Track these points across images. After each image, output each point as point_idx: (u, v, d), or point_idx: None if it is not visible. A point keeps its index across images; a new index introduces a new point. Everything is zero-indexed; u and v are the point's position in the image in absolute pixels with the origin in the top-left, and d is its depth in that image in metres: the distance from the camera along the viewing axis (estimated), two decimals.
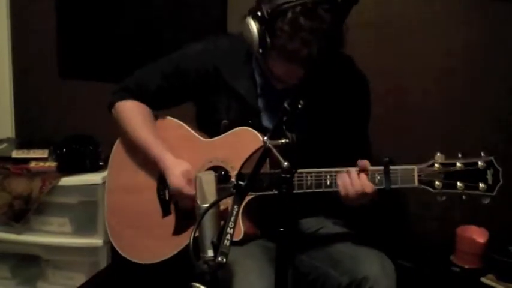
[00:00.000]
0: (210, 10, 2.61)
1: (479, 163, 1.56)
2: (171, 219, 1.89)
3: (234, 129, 1.80)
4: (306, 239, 1.86)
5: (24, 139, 2.86)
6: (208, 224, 1.38)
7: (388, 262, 1.71)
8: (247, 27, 1.61)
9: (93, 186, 2.48)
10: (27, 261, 2.65)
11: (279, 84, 1.74)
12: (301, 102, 1.26)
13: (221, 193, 1.44)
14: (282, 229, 1.26)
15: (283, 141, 1.27)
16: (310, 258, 1.80)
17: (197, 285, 1.25)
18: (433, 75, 2.40)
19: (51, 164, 2.56)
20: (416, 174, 1.60)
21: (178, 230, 1.86)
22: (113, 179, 2.04)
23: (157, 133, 1.90)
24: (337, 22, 1.27)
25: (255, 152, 1.39)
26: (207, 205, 1.38)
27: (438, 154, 1.59)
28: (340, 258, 1.74)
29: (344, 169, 1.64)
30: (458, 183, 1.56)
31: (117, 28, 2.74)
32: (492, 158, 1.56)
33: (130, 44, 2.73)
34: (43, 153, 2.62)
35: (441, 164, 1.58)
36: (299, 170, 1.61)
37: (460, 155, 1.58)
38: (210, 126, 1.86)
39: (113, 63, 2.77)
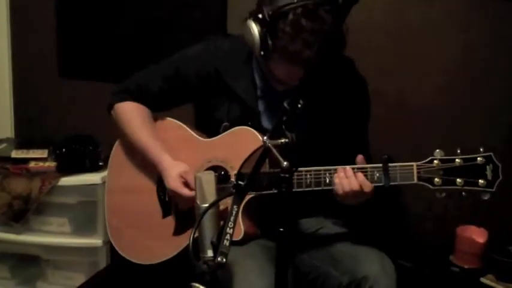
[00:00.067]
0: (210, 11, 2.61)
1: (478, 159, 1.56)
2: (171, 219, 1.89)
3: (233, 129, 1.80)
4: (306, 239, 1.86)
5: (23, 139, 2.86)
6: (208, 224, 1.38)
7: (388, 262, 1.71)
8: (249, 29, 1.61)
9: (92, 186, 2.48)
10: (27, 261, 2.65)
11: (280, 85, 1.74)
12: (301, 102, 1.26)
13: (221, 193, 1.44)
14: (281, 229, 1.26)
15: (282, 140, 1.27)
16: (311, 257, 1.80)
17: (197, 285, 1.25)
18: (433, 75, 2.40)
19: (51, 164, 2.56)
20: (415, 170, 1.60)
21: (178, 231, 1.86)
22: (113, 180, 2.04)
23: (157, 134, 1.90)
24: (338, 22, 1.27)
25: (255, 151, 1.39)
26: (207, 205, 1.38)
27: (437, 150, 1.59)
28: (340, 258, 1.74)
29: (342, 167, 1.64)
30: (458, 180, 1.56)
31: (117, 28, 2.74)
32: (491, 153, 1.56)
33: (130, 44, 2.73)
34: (42, 153, 2.62)
35: (440, 160, 1.58)
36: (298, 168, 1.62)
37: (458, 151, 1.58)
38: (210, 127, 1.86)
39: (113, 63, 2.77)
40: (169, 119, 1.96)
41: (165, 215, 1.91)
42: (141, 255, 1.92)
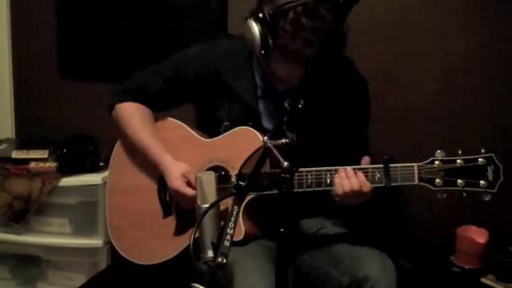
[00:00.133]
0: (211, 11, 2.61)
1: (480, 159, 1.55)
2: (171, 220, 1.89)
3: (234, 129, 1.80)
4: (306, 239, 1.86)
5: (24, 139, 2.86)
6: (209, 224, 1.38)
7: (389, 262, 1.71)
8: (249, 29, 1.61)
9: (93, 187, 2.48)
10: (27, 262, 2.65)
11: (280, 85, 1.74)
12: (302, 102, 1.26)
13: (221, 193, 1.44)
14: (282, 229, 1.26)
15: (283, 141, 1.27)
16: (311, 258, 1.80)
17: (197, 285, 1.24)
18: (434, 75, 2.40)
19: (51, 165, 2.56)
20: (416, 171, 1.60)
21: (178, 231, 1.86)
22: (114, 180, 2.04)
23: (157, 134, 1.90)
24: (338, 21, 1.27)
25: (256, 152, 1.39)
26: (207, 205, 1.38)
27: (438, 151, 1.59)
28: (341, 258, 1.74)
29: (343, 167, 1.64)
30: (459, 180, 1.56)
31: (117, 28, 2.74)
32: (492, 154, 1.56)
33: (131, 45, 2.73)
34: (43, 153, 2.62)
35: (441, 161, 1.58)
36: (299, 169, 1.62)
37: (460, 152, 1.57)
38: (210, 127, 1.86)
39: (113, 64, 2.77)
40: (170, 119, 1.96)
41: (165, 215, 1.91)
42: (142, 256, 1.92)
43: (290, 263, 1.31)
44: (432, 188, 1.59)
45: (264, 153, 1.29)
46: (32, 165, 2.56)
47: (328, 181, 1.65)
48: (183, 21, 2.65)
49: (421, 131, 2.42)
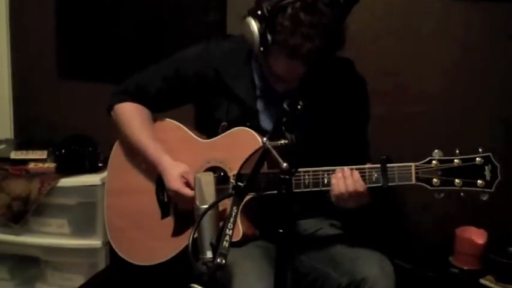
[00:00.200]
0: (210, 12, 2.61)
1: (477, 159, 1.55)
2: (170, 220, 1.89)
3: (232, 130, 1.80)
4: (305, 240, 1.86)
5: (23, 140, 2.86)
6: (207, 225, 1.38)
7: (388, 263, 1.71)
8: (248, 26, 1.61)
9: (92, 187, 2.47)
10: (26, 263, 2.64)
11: (279, 86, 1.74)
12: (301, 103, 1.26)
13: (220, 194, 1.44)
14: (281, 230, 1.26)
15: (282, 142, 1.27)
16: (310, 259, 1.80)
17: (196, 286, 1.24)
18: (433, 75, 2.40)
19: (50, 165, 2.56)
20: (413, 171, 1.60)
21: (177, 232, 1.86)
22: (113, 181, 2.04)
23: (156, 135, 1.90)
24: (338, 19, 1.27)
25: (254, 152, 1.39)
26: (206, 206, 1.38)
27: (436, 151, 1.59)
28: (339, 259, 1.74)
29: (340, 168, 1.64)
30: (456, 180, 1.56)
31: (116, 29, 2.74)
32: (490, 154, 1.55)
33: (130, 45, 2.73)
34: (42, 154, 2.62)
35: (438, 160, 1.58)
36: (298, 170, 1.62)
37: (457, 151, 1.57)
38: (209, 128, 1.86)
39: (112, 64, 2.77)
40: (168, 119, 1.96)
41: (163, 215, 1.90)
42: (140, 256, 1.92)
43: (289, 264, 1.31)
44: (429, 187, 1.59)
45: (263, 154, 1.29)
46: (31, 165, 2.56)
47: (325, 181, 1.65)
48: (182, 21, 2.65)
49: (420, 131, 2.42)
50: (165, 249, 1.85)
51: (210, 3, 2.61)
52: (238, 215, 1.31)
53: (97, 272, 2.51)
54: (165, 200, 1.91)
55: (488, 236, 2.22)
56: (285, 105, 1.27)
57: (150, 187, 1.93)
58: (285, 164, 1.23)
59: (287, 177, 1.25)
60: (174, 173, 1.79)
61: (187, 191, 1.75)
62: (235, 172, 1.75)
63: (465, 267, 2.22)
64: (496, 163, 1.55)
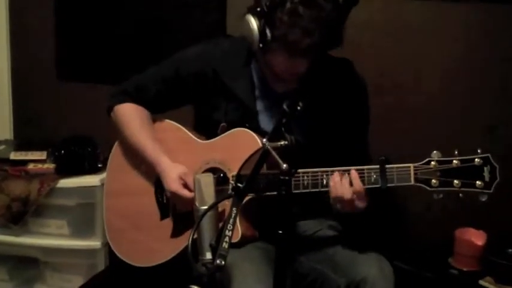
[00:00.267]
0: (209, 12, 2.61)
1: (476, 160, 1.55)
2: (169, 221, 1.89)
3: (231, 131, 1.80)
4: (304, 241, 1.86)
5: (22, 141, 2.86)
6: (207, 226, 1.38)
7: (387, 264, 1.71)
8: (247, 23, 1.61)
9: (91, 188, 2.47)
10: (25, 263, 2.64)
11: (279, 86, 1.74)
12: (300, 104, 1.26)
13: (219, 195, 1.44)
14: (280, 231, 1.26)
15: (282, 143, 1.27)
16: (309, 260, 1.80)
17: (195, 287, 1.24)
18: (433, 75, 2.41)
19: (50, 166, 2.56)
20: (412, 172, 1.60)
21: (176, 233, 1.86)
22: (112, 182, 2.04)
23: (155, 136, 1.90)
24: (337, 14, 1.27)
25: (254, 153, 1.39)
26: (206, 207, 1.38)
27: (434, 152, 1.58)
28: (339, 260, 1.74)
29: (339, 168, 1.64)
30: (455, 181, 1.56)
31: (115, 30, 2.74)
32: (489, 154, 1.55)
33: (129, 46, 2.73)
34: (41, 155, 2.62)
35: (437, 161, 1.58)
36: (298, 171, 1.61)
37: (456, 152, 1.57)
38: (208, 128, 1.86)
39: (112, 65, 2.77)
40: (167, 120, 1.96)
41: (163, 217, 1.90)
42: (140, 258, 1.92)
43: (288, 265, 1.31)
44: (428, 188, 1.59)
45: (262, 155, 1.29)
46: (30, 166, 2.56)
47: (324, 182, 1.64)
48: (182, 22, 2.65)
49: (420, 131, 2.43)
50: (164, 250, 1.85)
51: (210, 3, 2.61)
52: (238, 216, 1.31)
53: (96, 273, 2.51)
54: (164, 201, 1.90)
55: (487, 237, 2.22)
56: (284, 106, 1.27)
57: (149, 188, 1.93)
58: (284, 165, 1.23)
59: (287, 178, 1.25)
60: (173, 174, 1.79)
61: (186, 193, 1.75)
62: (234, 173, 1.75)
63: (464, 269, 2.22)
64: (495, 164, 1.54)
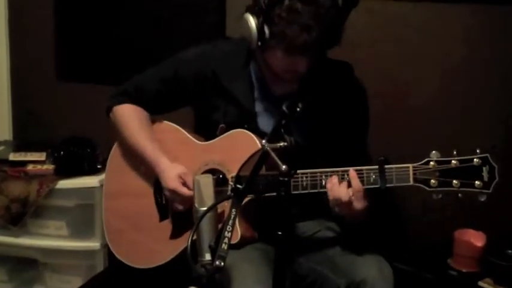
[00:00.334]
0: (209, 14, 2.61)
1: (475, 160, 1.55)
2: (168, 223, 1.89)
3: (230, 132, 1.80)
4: (304, 242, 1.86)
5: (21, 142, 2.86)
6: (206, 227, 1.38)
7: (386, 265, 1.71)
8: (246, 22, 1.61)
9: (90, 189, 2.47)
10: (24, 265, 2.64)
11: (277, 87, 1.74)
12: (300, 105, 1.26)
13: (218, 196, 1.44)
14: (279, 232, 1.26)
15: (281, 144, 1.26)
16: (309, 261, 1.80)
17: None
18: (433, 75, 2.40)
19: (49, 167, 2.55)
20: (411, 172, 1.59)
21: (175, 234, 1.86)
22: (111, 183, 2.04)
23: (154, 137, 1.89)
24: (336, 11, 1.27)
25: (253, 155, 1.39)
26: (205, 208, 1.38)
27: (433, 152, 1.58)
28: (338, 261, 1.74)
29: (339, 169, 1.64)
30: (454, 181, 1.56)
31: (115, 30, 2.74)
32: (487, 154, 1.55)
33: (129, 46, 2.73)
34: (40, 155, 2.62)
35: (436, 161, 1.58)
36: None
37: (455, 152, 1.57)
38: (207, 130, 1.86)
39: (111, 66, 2.77)
40: (166, 122, 1.96)
41: (162, 218, 1.90)
42: (139, 259, 1.91)
43: (288, 266, 1.31)
44: (427, 188, 1.59)
45: (262, 156, 1.29)
46: (30, 167, 2.55)
47: (323, 183, 1.64)
48: (181, 23, 2.65)
49: (420, 131, 2.42)
50: (163, 251, 1.85)
51: (210, 4, 2.61)
52: (237, 217, 1.31)
53: (95, 274, 2.51)
54: (163, 202, 1.90)
55: (487, 238, 2.21)
56: (284, 108, 1.27)
57: (148, 189, 1.93)
58: (284, 166, 1.23)
59: (286, 179, 1.25)
60: (171, 174, 1.79)
61: (185, 190, 1.75)
62: (233, 174, 1.75)
63: (464, 270, 2.21)
64: (493, 164, 1.54)
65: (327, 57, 1.74)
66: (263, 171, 1.61)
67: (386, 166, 1.60)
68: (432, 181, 1.58)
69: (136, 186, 1.94)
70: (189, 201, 1.66)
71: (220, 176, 1.78)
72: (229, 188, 1.75)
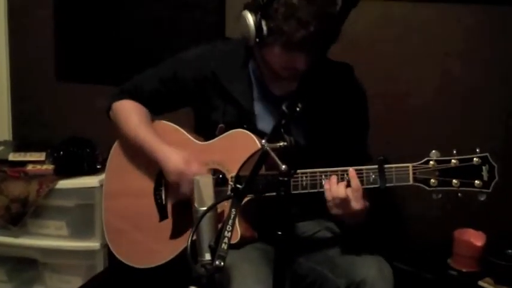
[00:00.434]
0: (208, 15, 2.61)
1: (474, 159, 1.55)
2: (167, 223, 1.89)
3: (230, 132, 1.80)
4: (303, 242, 1.86)
5: (21, 142, 2.86)
6: (206, 227, 1.38)
7: (386, 265, 1.71)
8: (244, 19, 1.62)
9: (90, 189, 2.47)
10: (24, 265, 2.64)
11: (277, 87, 1.74)
12: (299, 105, 1.26)
13: (218, 196, 1.43)
14: (279, 232, 1.26)
15: (281, 144, 1.26)
16: (308, 261, 1.80)
17: None
18: (433, 75, 2.41)
19: (49, 167, 2.56)
20: (411, 172, 1.59)
21: (175, 234, 1.86)
22: (110, 183, 2.04)
23: (154, 131, 1.88)
24: (337, 24, 1.27)
25: (253, 154, 1.38)
26: (205, 208, 1.38)
27: (433, 151, 1.58)
28: (338, 261, 1.74)
29: (338, 169, 1.63)
30: (454, 181, 1.56)
31: (115, 31, 2.74)
32: (487, 154, 1.55)
33: (128, 47, 2.73)
34: (40, 156, 2.62)
35: (436, 161, 1.57)
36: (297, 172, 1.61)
37: (454, 152, 1.57)
38: (207, 130, 1.86)
39: (111, 66, 2.77)
40: (166, 122, 1.96)
41: (161, 218, 1.90)
42: (139, 259, 1.91)
43: (287, 266, 1.31)
44: (427, 188, 1.59)
45: (261, 156, 1.29)
46: (29, 167, 2.56)
47: (323, 183, 1.64)
48: (181, 23, 2.65)
49: (420, 132, 2.43)
50: (163, 251, 1.85)
51: (210, 4, 2.61)
52: (237, 217, 1.31)
53: (95, 274, 2.51)
54: (163, 202, 1.90)
55: (486, 238, 2.22)
56: (283, 107, 1.27)
57: (148, 189, 1.93)
58: (283, 166, 1.23)
59: (286, 179, 1.25)
60: (175, 156, 1.77)
61: (194, 167, 1.73)
62: (233, 174, 1.75)
63: (464, 270, 2.22)
64: (493, 163, 1.54)
65: (327, 58, 1.74)
66: (263, 171, 1.61)
67: (386, 166, 1.60)
68: (432, 180, 1.58)
69: (137, 186, 1.94)
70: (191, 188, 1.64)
71: (220, 176, 1.78)
72: (229, 188, 1.75)
